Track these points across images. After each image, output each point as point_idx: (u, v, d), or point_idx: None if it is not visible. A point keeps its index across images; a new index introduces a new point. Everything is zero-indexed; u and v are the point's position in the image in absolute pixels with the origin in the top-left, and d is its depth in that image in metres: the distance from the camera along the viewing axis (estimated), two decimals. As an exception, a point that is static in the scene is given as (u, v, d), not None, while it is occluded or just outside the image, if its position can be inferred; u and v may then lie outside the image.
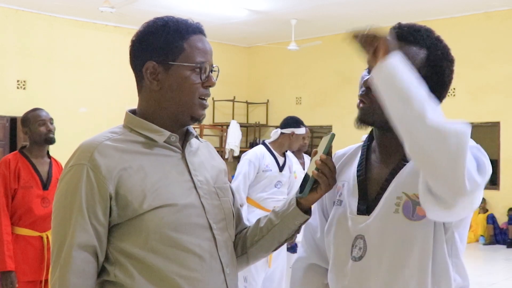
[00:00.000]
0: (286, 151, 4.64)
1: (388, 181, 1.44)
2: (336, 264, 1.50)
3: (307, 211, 1.50)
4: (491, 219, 9.53)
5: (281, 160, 4.55)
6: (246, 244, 1.58)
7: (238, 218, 1.61)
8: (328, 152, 1.46)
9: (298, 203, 1.49)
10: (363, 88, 1.46)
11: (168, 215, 1.35)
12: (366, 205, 1.46)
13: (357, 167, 1.52)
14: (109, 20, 10.83)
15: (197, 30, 1.46)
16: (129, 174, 1.35)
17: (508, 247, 9.31)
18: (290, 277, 1.72)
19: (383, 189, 1.44)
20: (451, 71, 1.49)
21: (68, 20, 10.74)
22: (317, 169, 1.43)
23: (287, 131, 4.48)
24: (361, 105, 1.46)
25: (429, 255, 1.37)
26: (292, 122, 4.54)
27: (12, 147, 10.00)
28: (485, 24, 9.91)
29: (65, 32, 10.69)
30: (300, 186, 1.49)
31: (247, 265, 1.62)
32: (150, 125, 1.43)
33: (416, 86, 1.25)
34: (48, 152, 3.57)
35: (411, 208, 1.38)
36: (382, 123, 1.42)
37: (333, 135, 1.46)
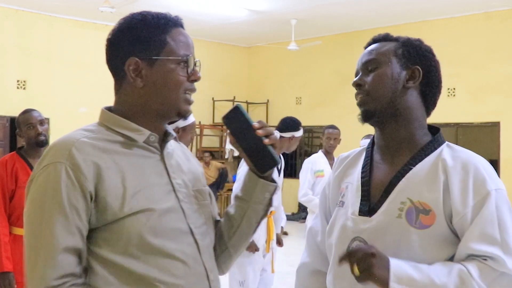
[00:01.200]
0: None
1: (393, 184, 1.43)
2: (335, 266, 1.48)
3: (272, 179, 1.44)
4: (491, 219, 9.52)
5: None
6: (224, 239, 1.51)
7: (215, 222, 1.53)
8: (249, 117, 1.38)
9: (259, 176, 1.41)
10: (355, 89, 1.52)
11: (149, 220, 1.29)
12: (369, 206, 1.45)
13: (362, 169, 1.52)
14: (109, 20, 10.82)
15: (177, 23, 1.41)
16: (108, 175, 1.27)
17: (508, 247, 9.31)
18: (294, 282, 1.71)
19: (387, 192, 1.43)
20: (428, 50, 1.53)
21: (68, 20, 10.74)
22: (265, 136, 1.36)
23: (287, 135, 4.36)
24: (359, 98, 1.50)
25: (431, 264, 1.34)
26: (292, 125, 4.41)
27: (12, 147, 10.00)
28: (485, 24, 9.90)
29: (65, 32, 10.69)
30: (259, 160, 1.39)
31: (231, 260, 1.54)
32: (129, 123, 1.37)
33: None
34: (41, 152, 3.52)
35: (414, 215, 1.37)
36: (383, 112, 1.45)
37: (240, 105, 1.40)
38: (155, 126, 1.40)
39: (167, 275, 1.30)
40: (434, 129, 1.53)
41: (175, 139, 1.48)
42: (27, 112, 3.48)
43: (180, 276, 1.31)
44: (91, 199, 1.25)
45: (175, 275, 1.31)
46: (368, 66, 1.50)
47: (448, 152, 1.44)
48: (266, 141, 1.36)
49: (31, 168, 3.40)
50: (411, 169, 1.42)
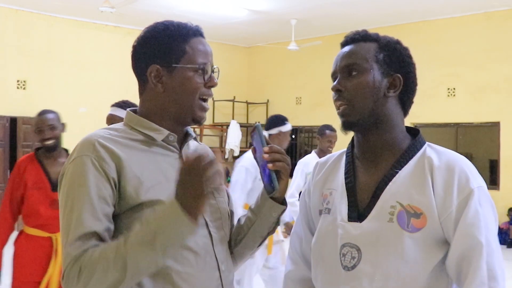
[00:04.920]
0: None
1: (380, 188, 1.43)
2: (326, 273, 1.48)
3: (283, 201, 1.51)
4: (491, 219, 9.53)
5: None
6: (230, 244, 1.59)
7: (230, 219, 1.62)
8: (266, 140, 1.46)
9: (271, 196, 1.49)
10: (334, 93, 1.49)
11: None
12: (357, 212, 1.44)
13: (345, 174, 1.51)
14: (109, 20, 10.83)
15: (197, 32, 1.49)
16: (128, 166, 1.37)
17: (508, 247, 9.32)
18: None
19: (376, 196, 1.42)
20: (408, 55, 1.51)
21: (68, 20, 10.74)
22: (270, 162, 1.42)
23: (274, 131, 4.37)
24: (340, 108, 1.47)
25: (426, 268, 1.36)
26: (277, 121, 4.44)
27: (12, 147, 10.00)
28: (485, 24, 9.90)
29: (65, 32, 10.69)
30: (264, 183, 1.48)
31: (235, 266, 1.62)
32: (150, 123, 1.47)
33: None
34: (67, 151, 3.52)
35: (406, 219, 1.37)
36: (365, 121, 1.45)
37: (259, 126, 1.47)
38: (174, 128, 1.49)
39: (179, 264, 1.37)
40: (413, 130, 1.54)
41: (194, 139, 1.57)
42: (40, 114, 3.47)
43: (190, 265, 1.38)
44: (115, 186, 1.35)
45: (186, 264, 1.38)
46: (347, 70, 1.47)
47: (431, 152, 1.45)
48: (270, 165, 1.43)
49: (44, 169, 3.41)
50: (397, 172, 1.42)
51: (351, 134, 1.56)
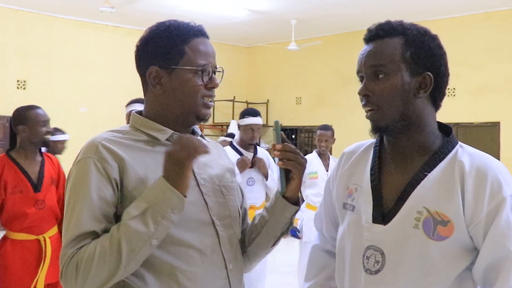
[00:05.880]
0: (255, 146, 4.57)
1: (407, 191, 1.37)
2: (348, 274, 1.45)
3: (296, 202, 1.50)
4: (491, 219, 9.52)
5: (249, 156, 4.48)
6: (245, 243, 1.60)
7: (243, 218, 1.63)
8: (282, 138, 1.45)
9: (284, 196, 1.50)
10: (361, 97, 1.42)
11: None
12: (382, 213, 1.39)
13: (370, 171, 1.45)
14: (109, 20, 10.83)
15: (198, 32, 1.47)
16: (131, 167, 1.38)
17: (508, 247, 9.31)
18: (305, 262, 1.73)
19: (402, 199, 1.37)
20: (438, 46, 1.43)
21: (68, 20, 10.73)
22: (280, 159, 1.42)
23: (237, 125, 4.50)
24: (369, 113, 1.40)
25: (451, 275, 1.32)
26: (241, 114, 4.52)
27: (12, 147, 9.96)
28: (485, 24, 9.90)
29: (65, 32, 10.68)
30: (279, 182, 1.49)
31: (250, 265, 1.63)
32: (154, 124, 1.47)
33: None
34: (40, 149, 3.35)
35: (432, 226, 1.32)
36: (395, 125, 1.38)
37: (277, 122, 1.46)
38: (178, 128, 1.49)
39: (184, 263, 1.37)
40: (445, 127, 1.46)
41: (201, 136, 1.57)
42: (36, 107, 3.31)
43: (196, 264, 1.39)
44: (118, 187, 1.36)
45: (191, 264, 1.38)
46: (373, 72, 1.39)
47: (463, 154, 1.38)
48: (279, 163, 1.44)
49: (22, 170, 3.23)
50: (426, 175, 1.36)
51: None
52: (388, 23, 1.42)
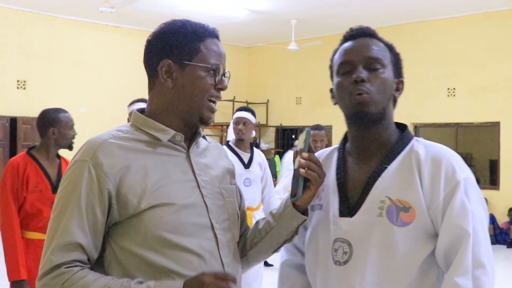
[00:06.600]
0: (252, 146, 4.55)
1: (370, 184, 1.45)
2: (319, 269, 1.49)
3: (304, 211, 1.51)
4: (491, 219, 9.52)
5: (245, 156, 4.45)
6: (246, 246, 1.59)
7: (242, 220, 1.61)
8: (309, 148, 1.47)
9: (294, 204, 1.49)
10: (353, 82, 1.45)
11: (167, 214, 1.36)
12: (348, 207, 1.46)
13: (336, 170, 1.53)
14: (109, 20, 10.83)
15: (213, 34, 1.49)
16: (130, 173, 1.36)
17: (508, 247, 9.31)
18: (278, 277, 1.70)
19: (365, 192, 1.45)
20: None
21: (68, 20, 10.74)
22: (303, 167, 1.44)
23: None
24: (361, 96, 1.44)
25: (416, 261, 1.38)
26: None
27: (12, 147, 10.01)
28: (485, 24, 9.90)
29: (65, 32, 10.69)
30: (292, 188, 1.48)
31: (248, 268, 1.62)
32: (156, 123, 1.45)
33: None
34: (57, 152, 3.44)
35: (395, 213, 1.39)
36: (377, 115, 1.47)
37: (309, 132, 1.48)
38: (181, 127, 1.47)
39: (183, 267, 1.36)
40: (400, 125, 1.56)
41: (203, 137, 1.56)
42: (65, 111, 3.45)
43: (195, 269, 1.37)
44: (111, 196, 1.35)
45: (190, 268, 1.37)
46: (370, 63, 1.47)
47: (418, 146, 1.48)
48: (302, 171, 1.44)
49: (43, 170, 3.30)
50: (385, 168, 1.45)
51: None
52: (373, 30, 1.55)
